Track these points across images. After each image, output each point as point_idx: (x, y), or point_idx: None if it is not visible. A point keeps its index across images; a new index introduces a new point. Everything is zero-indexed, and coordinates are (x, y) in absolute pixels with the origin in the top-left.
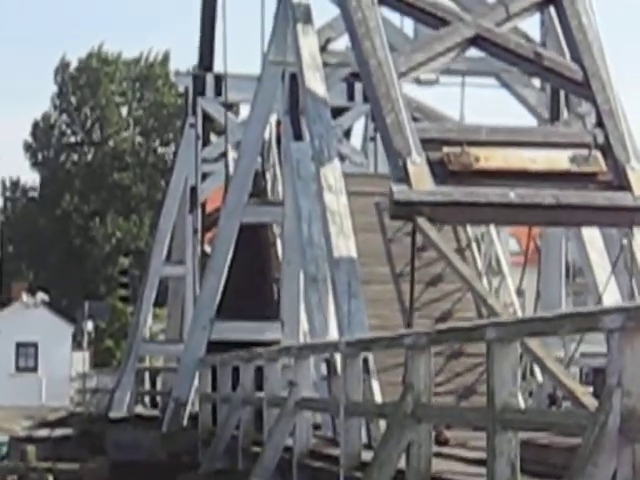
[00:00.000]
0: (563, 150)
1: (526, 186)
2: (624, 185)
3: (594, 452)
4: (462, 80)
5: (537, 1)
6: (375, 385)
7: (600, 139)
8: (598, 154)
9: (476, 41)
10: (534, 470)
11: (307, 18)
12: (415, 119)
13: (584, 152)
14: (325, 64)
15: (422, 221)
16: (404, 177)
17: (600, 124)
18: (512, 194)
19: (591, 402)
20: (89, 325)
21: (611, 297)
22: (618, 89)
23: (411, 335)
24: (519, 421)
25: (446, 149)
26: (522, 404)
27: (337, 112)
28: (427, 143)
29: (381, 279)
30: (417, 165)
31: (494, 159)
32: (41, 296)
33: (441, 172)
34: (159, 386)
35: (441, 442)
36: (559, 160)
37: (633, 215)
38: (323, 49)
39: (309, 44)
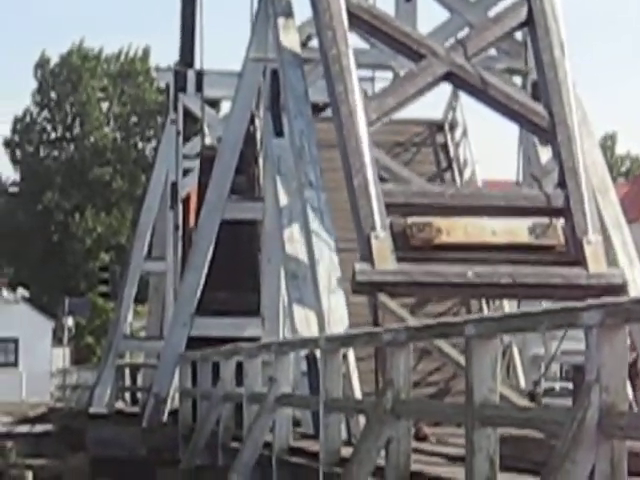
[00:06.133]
0: (523, 219)
1: (485, 260)
2: (579, 260)
3: (572, 448)
4: None
5: (510, 29)
6: (355, 381)
7: (560, 202)
8: (558, 225)
9: (448, 77)
10: (513, 466)
11: (288, 14)
12: (382, 179)
13: (544, 221)
14: (306, 60)
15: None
16: (367, 254)
17: (562, 184)
18: (470, 273)
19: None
20: (69, 321)
21: None
22: (582, 135)
23: (390, 331)
24: (498, 417)
25: (410, 220)
26: None
27: (318, 108)
28: (392, 207)
29: None
30: (380, 240)
31: (455, 233)
32: (21, 292)
33: (403, 245)
34: (139, 382)
35: (420, 438)
36: (519, 231)
37: (586, 292)
38: (304, 45)
39: (290, 40)
